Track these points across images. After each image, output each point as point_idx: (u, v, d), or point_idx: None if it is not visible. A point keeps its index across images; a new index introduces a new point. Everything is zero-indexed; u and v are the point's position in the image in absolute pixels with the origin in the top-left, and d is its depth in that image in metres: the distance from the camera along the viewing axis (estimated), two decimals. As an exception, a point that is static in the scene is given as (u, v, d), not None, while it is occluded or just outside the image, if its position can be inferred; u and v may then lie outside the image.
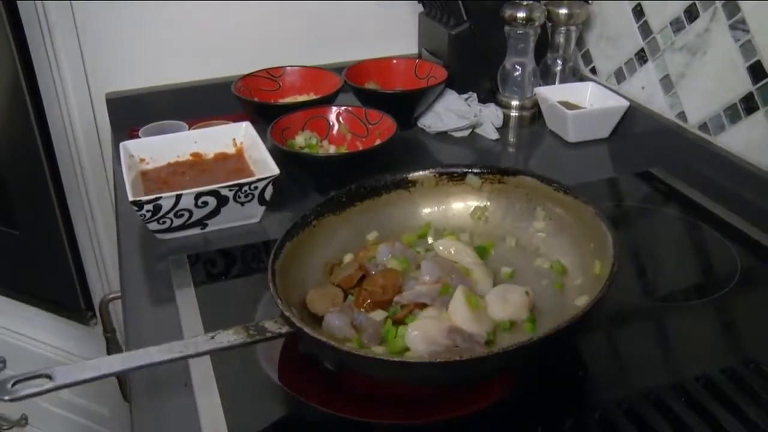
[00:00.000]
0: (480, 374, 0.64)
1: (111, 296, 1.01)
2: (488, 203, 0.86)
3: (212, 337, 0.62)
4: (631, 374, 0.71)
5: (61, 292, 1.54)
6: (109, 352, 1.07)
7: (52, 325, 1.65)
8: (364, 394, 0.67)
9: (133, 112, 1.27)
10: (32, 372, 0.57)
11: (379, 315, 0.71)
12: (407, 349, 0.68)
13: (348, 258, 0.80)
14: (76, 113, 1.30)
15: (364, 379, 0.67)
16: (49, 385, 0.56)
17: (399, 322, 0.71)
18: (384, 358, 0.63)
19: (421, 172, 0.87)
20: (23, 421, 1.86)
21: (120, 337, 1.09)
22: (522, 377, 0.67)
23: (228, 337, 0.63)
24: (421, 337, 0.67)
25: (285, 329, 0.64)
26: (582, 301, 0.70)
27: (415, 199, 0.87)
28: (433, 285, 0.74)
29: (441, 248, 0.81)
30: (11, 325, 1.75)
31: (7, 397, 0.55)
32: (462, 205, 0.87)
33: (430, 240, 0.84)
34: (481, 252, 0.81)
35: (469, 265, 0.78)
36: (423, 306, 0.72)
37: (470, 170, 0.87)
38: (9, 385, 0.56)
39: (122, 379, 1.14)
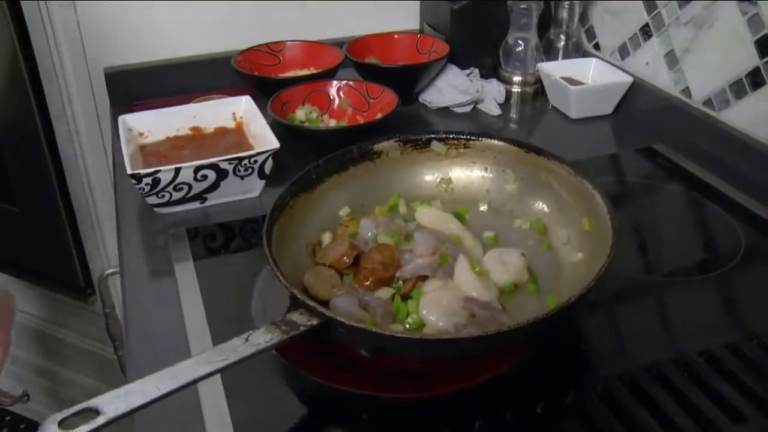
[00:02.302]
0: (522, 339, 0.64)
1: (109, 271, 1.01)
2: (452, 174, 0.86)
3: (247, 339, 0.59)
4: (634, 349, 0.71)
5: (60, 268, 1.54)
6: (108, 329, 1.07)
7: (50, 301, 1.65)
8: (366, 367, 0.66)
9: (132, 87, 1.26)
10: (77, 408, 0.51)
11: (385, 293, 0.70)
12: (423, 325, 0.67)
13: (327, 237, 0.79)
14: (74, 88, 1.28)
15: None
16: (101, 420, 0.51)
17: (405, 297, 0.70)
18: (434, 338, 0.63)
19: (385, 143, 0.85)
20: (25, 398, 1.87)
21: (119, 313, 1.09)
22: (526, 351, 0.66)
23: (263, 337, 0.59)
24: (438, 312, 0.67)
25: (315, 321, 0.61)
26: (578, 258, 0.72)
27: (381, 171, 0.85)
28: (430, 256, 0.74)
29: (423, 218, 0.81)
30: (10, 301, 1.75)
31: None
32: (429, 172, 0.87)
33: (402, 210, 0.83)
34: (458, 218, 0.81)
35: (457, 232, 0.78)
36: (424, 278, 0.72)
37: (434, 137, 0.86)
38: (55, 426, 0.50)
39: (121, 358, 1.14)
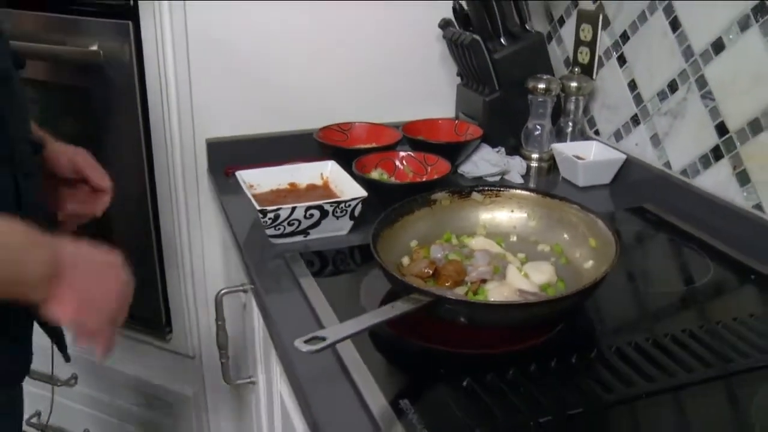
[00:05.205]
0: (573, 305, 0.95)
1: (225, 291, 1.27)
2: (488, 215, 1.16)
3: (393, 306, 0.86)
4: (635, 326, 0.99)
5: (144, 308, 1.73)
6: (218, 339, 1.32)
7: (125, 339, 1.81)
8: (447, 331, 0.94)
9: (227, 154, 1.54)
10: (311, 335, 0.78)
11: (461, 290, 0.99)
12: None
13: (405, 259, 1.07)
14: (178, 153, 1.56)
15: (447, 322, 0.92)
16: (326, 342, 0.78)
17: (474, 294, 0.99)
18: (520, 302, 0.92)
19: (439, 193, 1.15)
20: (72, 380, 1.89)
21: (229, 327, 1.33)
22: (561, 324, 0.95)
23: (404, 306, 0.86)
24: (502, 299, 0.95)
25: (430, 298, 0.87)
26: (590, 264, 1.02)
27: (436, 214, 1.14)
28: (487, 267, 1.03)
29: (475, 244, 1.10)
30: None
31: (304, 350, 0.76)
32: (472, 215, 1.16)
33: (454, 242, 1.12)
34: (497, 245, 1.11)
35: (501, 252, 1.08)
36: (485, 281, 1.01)
37: (474, 188, 1.17)
38: (302, 343, 0.77)
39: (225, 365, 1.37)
